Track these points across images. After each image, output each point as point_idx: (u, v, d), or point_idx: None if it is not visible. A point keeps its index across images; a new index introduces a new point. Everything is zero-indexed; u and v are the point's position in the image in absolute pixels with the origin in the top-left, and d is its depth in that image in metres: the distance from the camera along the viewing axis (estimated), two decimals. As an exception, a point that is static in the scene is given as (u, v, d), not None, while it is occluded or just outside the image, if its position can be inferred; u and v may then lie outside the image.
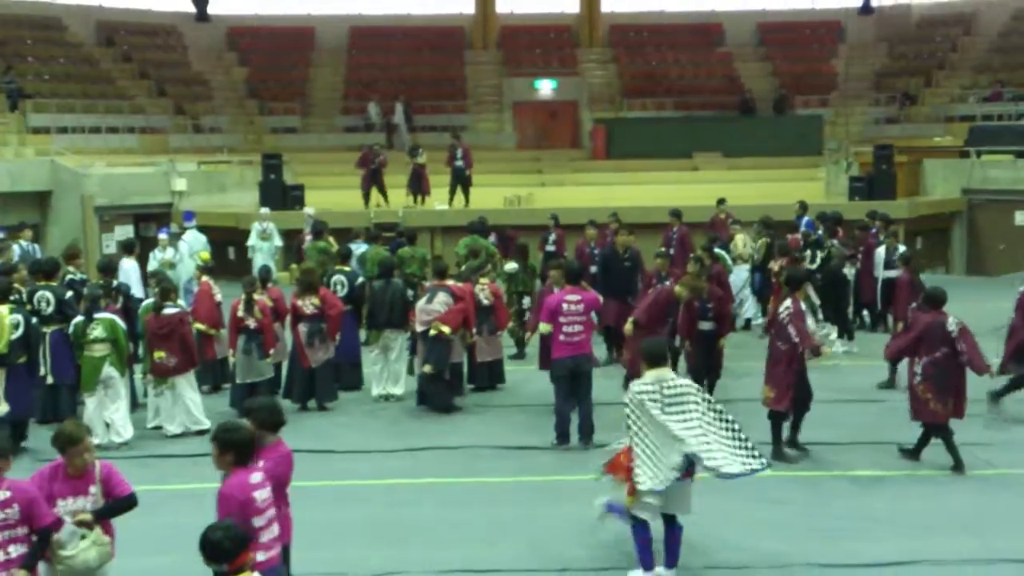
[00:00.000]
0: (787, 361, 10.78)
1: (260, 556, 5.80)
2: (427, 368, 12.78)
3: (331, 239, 18.57)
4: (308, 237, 19.48)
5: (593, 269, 16.79)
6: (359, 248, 17.55)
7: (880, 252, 16.85)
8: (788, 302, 10.92)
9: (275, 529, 6.15)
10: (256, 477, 6.03)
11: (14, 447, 11.52)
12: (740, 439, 7.73)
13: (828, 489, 10.14)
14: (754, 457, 7.72)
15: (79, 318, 11.82)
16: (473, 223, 18.59)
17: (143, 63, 33.99)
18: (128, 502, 6.56)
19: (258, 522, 5.95)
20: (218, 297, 13.96)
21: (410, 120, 33.47)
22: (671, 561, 7.87)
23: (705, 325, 12.48)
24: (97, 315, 11.78)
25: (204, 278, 14.01)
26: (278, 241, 22.06)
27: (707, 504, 7.90)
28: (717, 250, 17.48)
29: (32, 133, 27.51)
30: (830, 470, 10.69)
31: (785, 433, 11.08)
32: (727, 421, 7.76)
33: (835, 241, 17.13)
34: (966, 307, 14.84)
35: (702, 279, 12.74)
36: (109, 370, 11.73)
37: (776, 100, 34.15)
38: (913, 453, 10.91)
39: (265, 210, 23.30)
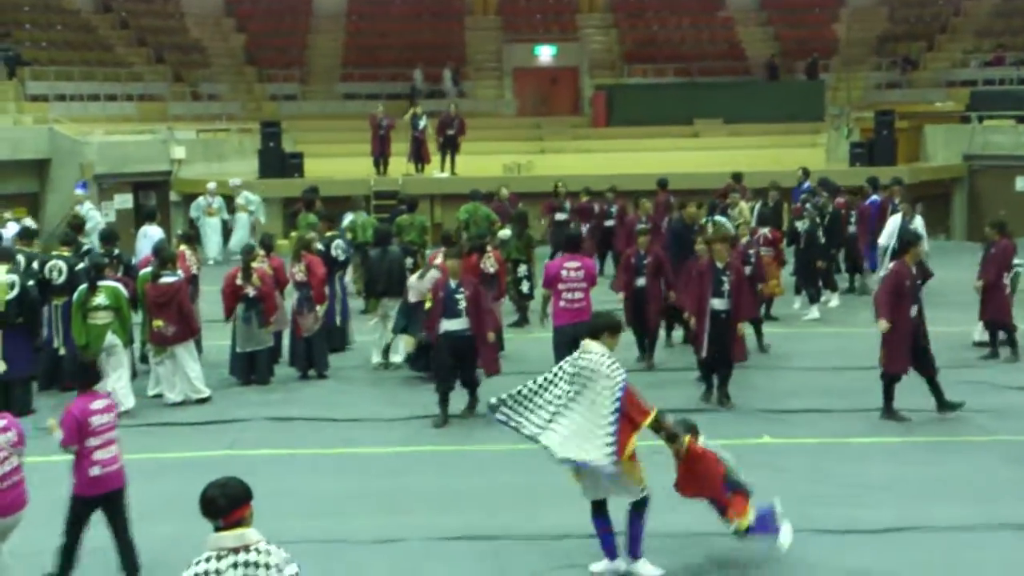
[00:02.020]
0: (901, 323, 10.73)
1: None
2: (413, 340, 12.65)
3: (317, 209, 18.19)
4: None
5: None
6: (360, 217, 17.56)
7: (896, 219, 16.54)
8: (891, 264, 10.95)
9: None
10: None
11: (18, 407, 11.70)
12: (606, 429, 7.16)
13: (826, 456, 10.16)
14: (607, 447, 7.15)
15: (83, 286, 11.82)
16: (475, 191, 18.54)
17: (141, 30, 33.77)
18: None
19: None
20: (193, 269, 13.86)
21: (458, 86, 33.40)
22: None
23: (718, 303, 11.48)
24: (100, 283, 11.79)
25: (182, 247, 13.88)
26: (227, 215, 21.67)
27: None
28: (718, 217, 17.41)
29: (30, 101, 27.39)
30: (828, 437, 10.72)
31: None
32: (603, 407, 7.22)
33: (808, 205, 17.05)
34: (967, 274, 14.87)
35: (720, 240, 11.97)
36: (112, 338, 11.74)
37: (808, 65, 33.63)
38: None
39: (212, 184, 23.12)
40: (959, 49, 33.45)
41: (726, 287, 11.33)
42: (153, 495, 9.37)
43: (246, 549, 4.69)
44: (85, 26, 32.77)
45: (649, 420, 7.32)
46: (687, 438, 7.51)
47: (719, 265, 11.43)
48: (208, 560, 4.69)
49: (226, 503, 4.74)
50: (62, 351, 12.68)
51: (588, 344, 7.45)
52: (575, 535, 8.27)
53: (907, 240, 11.36)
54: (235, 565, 4.65)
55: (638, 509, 7.48)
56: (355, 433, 11.14)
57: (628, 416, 7.23)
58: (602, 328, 7.49)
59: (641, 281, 13.04)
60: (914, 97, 31.73)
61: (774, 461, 9.99)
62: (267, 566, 4.66)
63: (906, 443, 10.48)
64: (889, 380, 11.05)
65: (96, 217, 18.82)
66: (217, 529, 4.74)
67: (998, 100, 27.13)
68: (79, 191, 20.18)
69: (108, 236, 14.02)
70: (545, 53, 36.21)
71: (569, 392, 7.37)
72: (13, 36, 29.35)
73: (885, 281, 10.95)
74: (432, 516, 8.76)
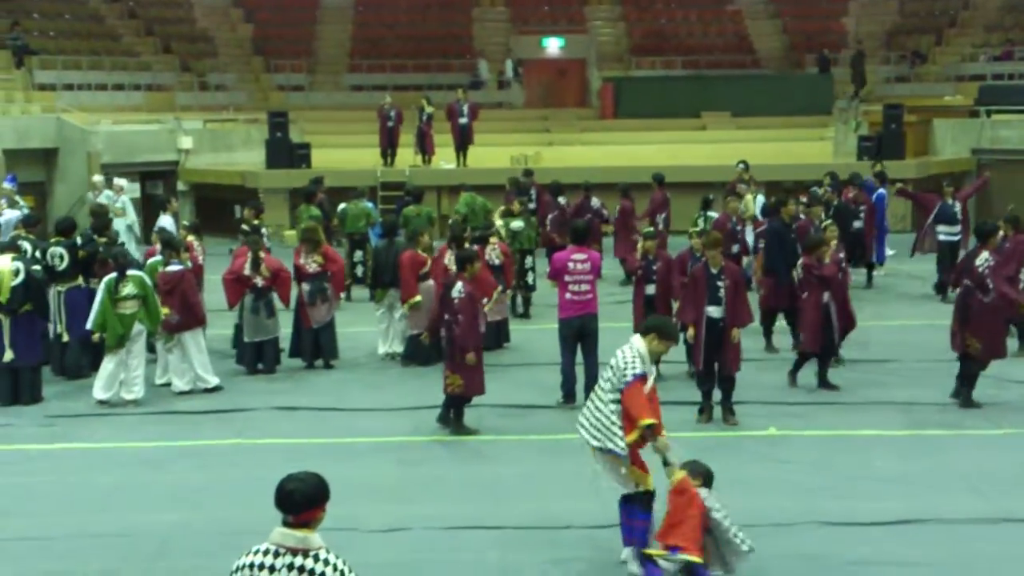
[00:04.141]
0: (993, 311, 10.85)
1: None
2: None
3: (318, 200, 18.08)
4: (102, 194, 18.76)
5: (734, 248, 15.04)
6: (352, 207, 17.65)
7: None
8: (986, 254, 10.94)
9: None
10: None
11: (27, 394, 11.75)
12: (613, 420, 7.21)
13: (833, 448, 10.16)
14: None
15: (111, 275, 11.83)
16: (462, 184, 18.59)
17: (149, 20, 33.79)
18: None
19: None
20: (200, 259, 13.83)
21: (519, 76, 33.49)
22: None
23: (713, 311, 10.82)
24: (128, 272, 11.81)
25: (189, 237, 13.86)
26: (134, 216, 19.75)
27: (711, 463, 7.88)
28: (710, 213, 17.36)
29: (38, 90, 27.43)
30: (836, 429, 10.71)
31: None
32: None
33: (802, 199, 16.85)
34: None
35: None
36: (138, 326, 11.77)
37: (853, 57, 33.22)
38: None
39: (116, 180, 21.12)
40: (968, 43, 33.35)
41: (721, 293, 10.73)
42: (160, 483, 9.43)
43: (305, 553, 4.52)
44: (93, 15, 32.79)
45: (634, 435, 7.11)
46: (680, 472, 7.09)
47: (713, 271, 10.82)
48: (266, 553, 4.55)
49: (302, 500, 4.56)
50: (65, 338, 12.72)
51: (632, 338, 7.42)
52: (580, 525, 8.30)
53: (987, 230, 11.33)
54: (290, 567, 4.49)
55: (628, 502, 7.37)
56: (362, 422, 11.16)
57: (627, 414, 7.16)
58: (652, 328, 7.41)
59: (651, 289, 12.23)
60: (923, 91, 31.64)
61: (779, 453, 10.01)
62: None
63: (911, 436, 10.48)
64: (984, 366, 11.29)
65: (16, 216, 17.86)
66: (285, 523, 4.57)
67: (1007, 94, 27.04)
68: (7, 185, 18.99)
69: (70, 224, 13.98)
70: (553, 45, 36.16)
71: (601, 383, 7.43)
72: (21, 25, 29.36)
73: (1000, 270, 11.04)
74: (439, 505, 8.78)
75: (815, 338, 11.85)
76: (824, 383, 12.07)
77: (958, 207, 17.13)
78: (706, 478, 7.17)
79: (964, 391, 11.33)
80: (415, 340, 13.07)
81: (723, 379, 10.91)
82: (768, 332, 13.85)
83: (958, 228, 16.93)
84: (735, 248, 15.06)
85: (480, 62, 33.97)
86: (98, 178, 20.39)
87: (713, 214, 17.31)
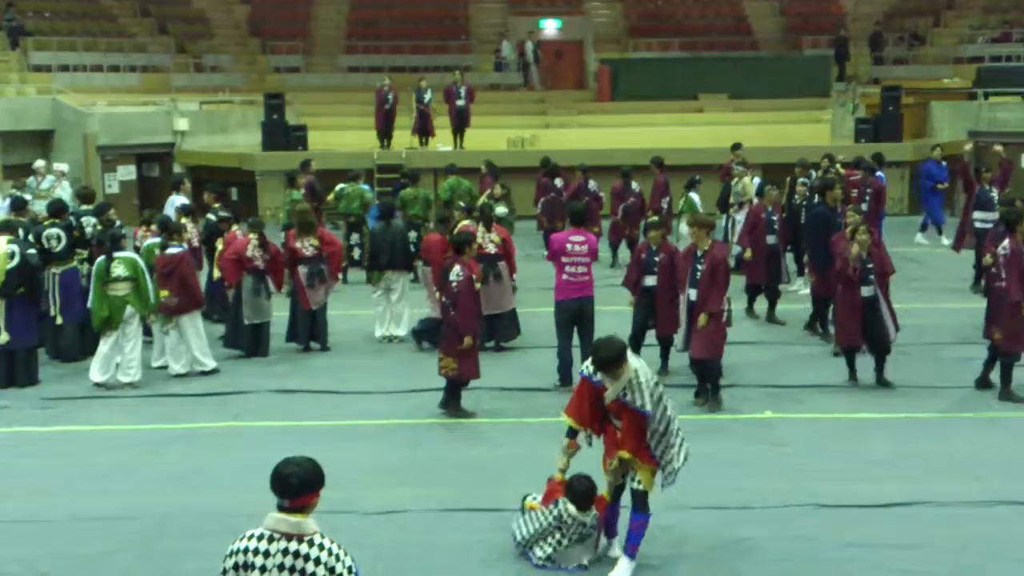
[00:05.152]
0: (1011, 301, 10.64)
1: None
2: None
3: (307, 183, 18.03)
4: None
5: (771, 240, 14.34)
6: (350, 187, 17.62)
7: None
8: (1006, 242, 10.78)
9: None
10: None
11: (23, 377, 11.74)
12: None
13: (830, 431, 10.18)
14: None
15: (101, 258, 11.81)
16: (451, 165, 18.53)
17: (144, 1, 33.64)
18: None
19: None
20: (194, 241, 13.90)
21: (538, 59, 33.49)
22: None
23: (691, 293, 10.79)
24: (118, 254, 11.78)
25: (183, 219, 13.84)
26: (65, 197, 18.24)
27: (707, 446, 7.92)
28: (691, 194, 17.29)
29: (33, 71, 27.34)
30: (832, 412, 10.73)
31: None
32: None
33: (802, 180, 16.68)
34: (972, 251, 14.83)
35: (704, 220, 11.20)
36: (129, 309, 11.75)
37: (872, 37, 33.38)
38: None
39: (56, 165, 20.49)
40: (966, 25, 33.28)
41: (699, 276, 10.61)
42: (157, 466, 9.44)
43: (300, 539, 4.52)
44: (89, -4, 32.68)
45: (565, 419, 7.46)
46: (558, 475, 7.54)
47: (698, 253, 10.72)
48: (260, 538, 4.55)
49: (298, 484, 4.56)
50: (59, 320, 12.70)
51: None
52: (577, 508, 8.30)
53: (1013, 219, 11.04)
54: (284, 552, 4.49)
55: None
56: (359, 405, 11.16)
57: None
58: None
59: (651, 280, 11.67)
60: (920, 73, 31.59)
61: (776, 436, 10.02)
62: (317, 561, 4.48)
63: (909, 419, 10.49)
64: (1013, 360, 11.00)
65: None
66: (280, 508, 4.57)
67: (1004, 77, 26.95)
68: None
69: (99, 210, 13.98)
70: (550, 26, 36.06)
71: None
72: (16, 6, 29.25)
73: (1013, 264, 10.72)
74: (436, 487, 8.80)
75: (845, 333, 11.50)
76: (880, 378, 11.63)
77: (995, 193, 16.72)
78: (576, 498, 7.38)
79: (1002, 385, 11.08)
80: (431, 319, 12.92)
81: (693, 362, 10.85)
82: (820, 319, 13.55)
83: (996, 215, 16.54)
84: (771, 239, 14.33)
85: (504, 43, 33.86)
86: (40, 163, 20.31)
87: (693, 195, 17.31)
